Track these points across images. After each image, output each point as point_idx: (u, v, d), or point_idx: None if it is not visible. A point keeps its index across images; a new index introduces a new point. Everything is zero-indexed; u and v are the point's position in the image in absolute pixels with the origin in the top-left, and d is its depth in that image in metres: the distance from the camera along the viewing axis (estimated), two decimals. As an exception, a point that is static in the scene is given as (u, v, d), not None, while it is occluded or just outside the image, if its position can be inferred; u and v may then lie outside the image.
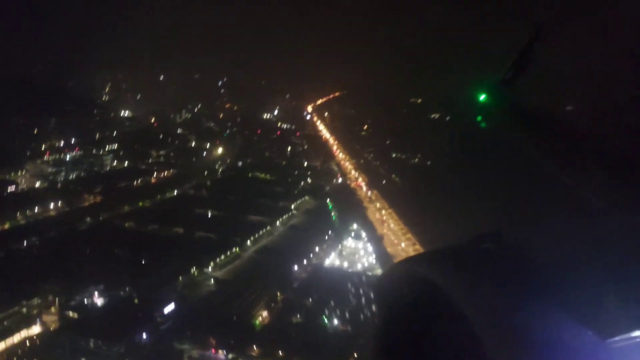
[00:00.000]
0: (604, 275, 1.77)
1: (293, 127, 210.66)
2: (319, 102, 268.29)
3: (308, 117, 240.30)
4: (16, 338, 61.87)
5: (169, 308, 61.06)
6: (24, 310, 64.93)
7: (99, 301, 63.82)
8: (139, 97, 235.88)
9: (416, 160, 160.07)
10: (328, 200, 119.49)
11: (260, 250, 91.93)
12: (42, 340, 58.33)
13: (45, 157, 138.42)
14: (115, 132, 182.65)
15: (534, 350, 1.47)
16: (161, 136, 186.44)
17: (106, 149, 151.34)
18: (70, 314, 60.18)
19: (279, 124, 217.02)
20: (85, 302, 62.45)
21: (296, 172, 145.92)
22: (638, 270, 1.80)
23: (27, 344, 59.36)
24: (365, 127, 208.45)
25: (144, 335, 56.20)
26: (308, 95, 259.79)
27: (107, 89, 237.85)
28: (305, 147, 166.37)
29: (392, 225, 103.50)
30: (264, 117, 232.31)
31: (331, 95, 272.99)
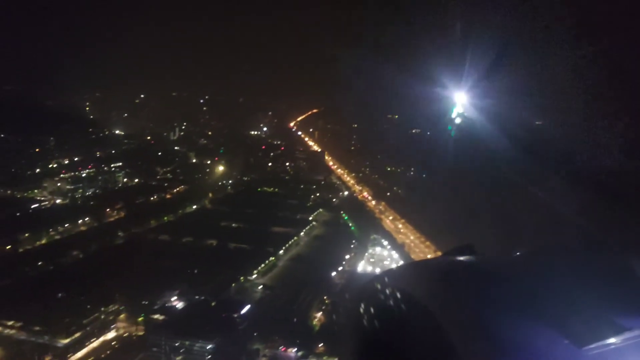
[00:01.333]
0: (578, 284, 1.83)
1: (283, 143, 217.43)
2: (299, 118, 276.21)
3: (298, 133, 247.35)
4: (98, 341, 67.51)
5: (245, 310, 67.55)
6: (102, 316, 70.35)
7: (178, 304, 69.86)
8: (125, 115, 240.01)
9: (411, 173, 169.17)
10: (342, 212, 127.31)
11: (294, 259, 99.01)
12: (135, 342, 64.06)
13: (62, 175, 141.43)
14: (114, 150, 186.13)
15: (510, 358, 1.50)
16: (160, 153, 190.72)
17: (115, 166, 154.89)
18: (156, 316, 66.02)
19: (270, 140, 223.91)
20: (167, 306, 68.24)
21: (302, 186, 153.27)
22: (612, 279, 1.89)
23: (115, 346, 64.98)
24: (352, 142, 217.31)
25: (228, 335, 62.71)
26: (285, 111, 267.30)
27: (90, 108, 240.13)
28: (304, 163, 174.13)
29: (410, 235, 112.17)
30: (252, 133, 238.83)
31: (309, 112, 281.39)
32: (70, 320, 66.03)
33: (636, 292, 1.74)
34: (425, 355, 1.84)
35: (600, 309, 1.64)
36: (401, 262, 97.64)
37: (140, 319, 72.35)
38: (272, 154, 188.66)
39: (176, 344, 59.36)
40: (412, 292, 1.79)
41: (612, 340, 1.52)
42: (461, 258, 2.09)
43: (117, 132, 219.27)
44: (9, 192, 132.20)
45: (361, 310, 1.98)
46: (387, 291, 1.90)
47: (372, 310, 1.95)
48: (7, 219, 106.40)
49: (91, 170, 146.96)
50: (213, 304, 67.52)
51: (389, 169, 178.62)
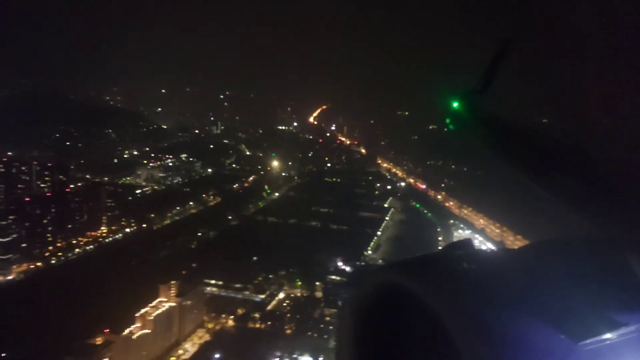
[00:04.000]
0: (575, 278, 1.84)
1: (317, 137, 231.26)
2: (314, 114, 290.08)
3: (332, 128, 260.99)
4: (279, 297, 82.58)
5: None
6: (277, 278, 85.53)
7: (347, 268, 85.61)
8: (159, 110, 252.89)
9: (453, 166, 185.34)
10: (412, 200, 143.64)
11: (391, 239, 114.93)
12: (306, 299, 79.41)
13: (151, 164, 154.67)
14: (172, 142, 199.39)
15: (506, 353, 1.51)
16: (212, 146, 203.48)
17: (193, 158, 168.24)
18: (333, 277, 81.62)
19: (302, 135, 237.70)
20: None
21: (364, 177, 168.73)
22: (609, 273, 1.88)
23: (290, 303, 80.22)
24: (378, 137, 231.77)
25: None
26: (296, 107, 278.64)
27: (125, 103, 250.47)
28: (358, 156, 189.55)
29: (481, 220, 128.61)
30: (282, 128, 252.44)
31: (319, 108, 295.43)
32: (260, 280, 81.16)
33: (633, 287, 1.76)
34: (421, 351, 1.94)
35: (597, 304, 1.66)
36: (489, 244, 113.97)
37: (298, 282, 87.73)
38: (316, 147, 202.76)
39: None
40: (409, 287, 1.82)
41: (608, 335, 1.54)
42: (458, 253, 2.13)
43: (163, 126, 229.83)
44: (105, 178, 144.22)
45: (357, 306, 2.03)
46: (384, 286, 1.96)
47: (368, 306, 2.00)
48: (124, 203, 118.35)
49: (175, 160, 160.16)
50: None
51: (429, 162, 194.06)
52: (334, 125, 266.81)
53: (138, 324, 64.44)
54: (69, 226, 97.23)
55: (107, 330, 59.75)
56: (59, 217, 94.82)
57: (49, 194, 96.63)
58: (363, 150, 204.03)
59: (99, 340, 58.23)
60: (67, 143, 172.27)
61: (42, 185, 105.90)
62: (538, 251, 2.22)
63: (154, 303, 68.33)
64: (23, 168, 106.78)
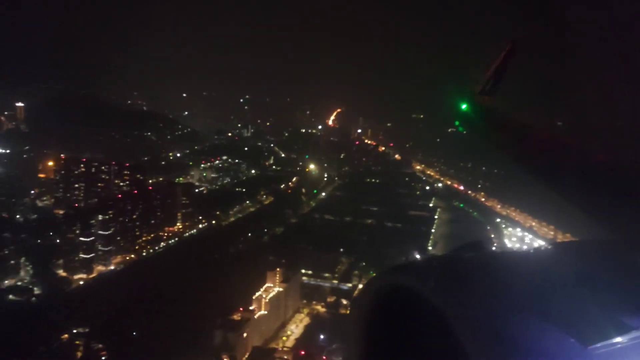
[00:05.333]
0: (585, 281, 1.82)
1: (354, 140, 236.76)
2: (332, 117, 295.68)
3: (359, 131, 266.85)
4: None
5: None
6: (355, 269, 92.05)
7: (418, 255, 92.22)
8: (186, 113, 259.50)
9: (483, 168, 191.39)
10: (454, 201, 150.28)
11: (447, 236, 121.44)
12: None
13: (203, 165, 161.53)
14: (209, 144, 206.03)
15: (515, 356, 1.50)
16: (246, 148, 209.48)
17: (239, 159, 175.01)
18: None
19: (331, 138, 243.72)
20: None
21: (402, 178, 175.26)
22: (619, 277, 1.87)
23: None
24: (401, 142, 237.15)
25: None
26: (313, 110, 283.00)
27: (151, 106, 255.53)
28: (394, 157, 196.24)
29: (529, 219, 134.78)
30: (308, 131, 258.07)
31: (335, 112, 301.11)
32: (345, 270, 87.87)
33: None
34: (429, 353, 1.93)
35: (608, 308, 1.63)
36: (540, 241, 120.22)
37: (372, 274, 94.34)
38: (353, 149, 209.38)
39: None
40: (419, 288, 1.81)
41: (618, 339, 1.52)
42: (469, 255, 2.13)
43: (195, 129, 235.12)
44: (160, 179, 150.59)
45: (368, 306, 2.01)
46: (395, 287, 1.94)
47: (379, 306, 1.98)
48: (191, 201, 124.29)
49: (222, 162, 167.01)
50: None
51: (461, 164, 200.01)
52: (360, 129, 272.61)
53: (255, 306, 71.02)
54: (152, 222, 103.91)
55: (242, 309, 66.39)
56: (145, 213, 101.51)
57: (135, 192, 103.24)
58: (397, 157, 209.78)
59: (237, 317, 64.82)
60: (114, 145, 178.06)
61: (121, 184, 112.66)
62: (548, 254, 2.27)
63: (263, 288, 74.93)
64: (103, 168, 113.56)
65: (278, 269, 77.90)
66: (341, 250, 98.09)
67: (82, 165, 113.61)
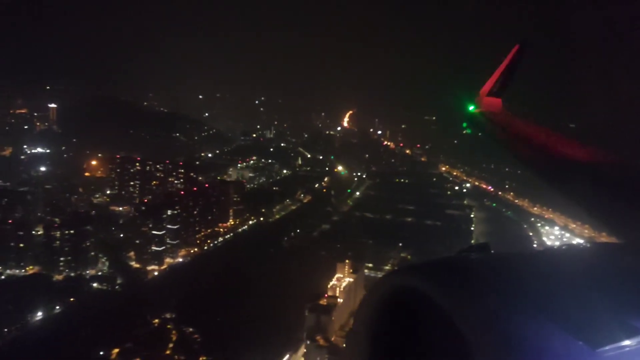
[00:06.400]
0: (594, 283, 1.82)
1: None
2: (346, 118, 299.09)
3: (379, 132, 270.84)
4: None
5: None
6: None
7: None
8: (206, 115, 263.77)
9: (507, 169, 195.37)
10: (486, 201, 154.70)
11: (486, 234, 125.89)
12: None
13: (239, 164, 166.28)
14: (236, 145, 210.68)
15: (523, 358, 1.50)
16: (271, 149, 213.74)
17: (272, 160, 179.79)
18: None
19: (352, 140, 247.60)
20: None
21: (432, 178, 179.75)
22: (628, 279, 1.88)
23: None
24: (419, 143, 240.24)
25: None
26: (327, 112, 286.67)
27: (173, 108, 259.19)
28: (423, 159, 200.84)
29: (564, 219, 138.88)
30: (326, 132, 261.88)
31: (347, 113, 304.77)
32: (395, 263, 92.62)
33: None
34: (435, 354, 1.92)
35: (616, 310, 1.63)
36: (577, 240, 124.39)
37: None
38: (381, 150, 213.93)
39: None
40: (427, 289, 1.81)
41: (627, 342, 1.51)
42: (476, 256, 2.13)
43: (219, 130, 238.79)
44: (199, 177, 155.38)
45: (376, 306, 2.03)
46: (402, 288, 1.94)
47: (385, 308, 1.99)
48: (237, 199, 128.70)
49: (257, 162, 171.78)
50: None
51: (484, 165, 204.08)
52: (379, 131, 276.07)
53: (330, 294, 75.63)
54: (209, 218, 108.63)
55: (327, 295, 71.00)
56: (204, 210, 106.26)
57: (194, 189, 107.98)
58: (424, 159, 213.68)
59: (323, 302, 69.46)
60: (146, 145, 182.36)
61: (175, 182, 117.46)
62: (557, 256, 2.28)
63: (334, 278, 79.58)
64: (158, 166, 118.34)
65: (347, 261, 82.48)
66: (400, 245, 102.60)
67: (137, 164, 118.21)
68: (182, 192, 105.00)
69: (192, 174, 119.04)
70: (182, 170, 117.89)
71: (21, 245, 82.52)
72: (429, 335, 1.92)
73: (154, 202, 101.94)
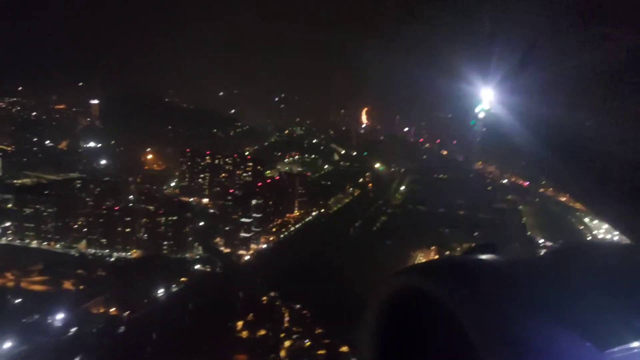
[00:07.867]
0: (602, 284, 1.79)
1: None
2: (363, 115, 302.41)
3: (406, 129, 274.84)
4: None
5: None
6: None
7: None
8: (232, 111, 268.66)
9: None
10: (527, 196, 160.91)
11: (538, 226, 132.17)
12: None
13: (287, 159, 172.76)
14: (273, 140, 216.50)
15: (529, 359, 1.49)
16: (305, 145, 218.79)
17: (316, 155, 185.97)
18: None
19: (380, 137, 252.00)
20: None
21: (462, 175, 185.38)
22: (636, 281, 1.85)
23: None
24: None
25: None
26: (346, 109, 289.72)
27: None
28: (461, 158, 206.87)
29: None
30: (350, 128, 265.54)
31: (363, 110, 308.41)
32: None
33: None
34: (444, 354, 1.92)
35: (625, 312, 1.61)
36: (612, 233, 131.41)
37: None
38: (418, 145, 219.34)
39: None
40: (432, 290, 1.81)
41: (635, 344, 1.50)
42: (483, 257, 2.08)
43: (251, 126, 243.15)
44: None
45: (381, 306, 2.02)
46: (409, 288, 1.94)
47: (392, 307, 1.99)
48: (302, 190, 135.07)
49: (301, 157, 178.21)
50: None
51: (514, 162, 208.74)
52: (406, 128, 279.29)
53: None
54: (280, 208, 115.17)
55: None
56: (278, 200, 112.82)
57: (268, 181, 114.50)
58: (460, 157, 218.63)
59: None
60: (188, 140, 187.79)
61: (244, 174, 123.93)
62: (565, 255, 2.24)
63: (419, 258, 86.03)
64: (227, 160, 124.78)
65: (433, 247, 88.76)
66: (475, 234, 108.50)
67: (207, 157, 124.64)
68: (260, 184, 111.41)
69: (259, 167, 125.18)
70: (251, 164, 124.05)
71: (127, 230, 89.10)
72: (435, 336, 1.97)
73: (238, 193, 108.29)
